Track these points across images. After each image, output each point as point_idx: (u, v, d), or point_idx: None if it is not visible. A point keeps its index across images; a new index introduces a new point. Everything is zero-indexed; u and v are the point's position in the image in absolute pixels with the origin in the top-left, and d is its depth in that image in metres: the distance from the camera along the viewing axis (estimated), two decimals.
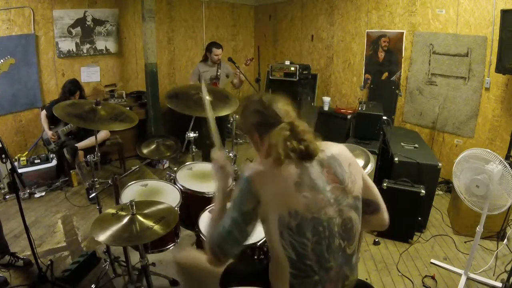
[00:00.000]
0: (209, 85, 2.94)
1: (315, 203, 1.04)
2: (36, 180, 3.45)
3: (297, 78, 4.42)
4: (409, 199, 2.58)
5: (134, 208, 1.56)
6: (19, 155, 3.51)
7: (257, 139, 1.18)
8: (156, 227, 1.52)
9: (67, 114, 1.97)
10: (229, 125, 3.77)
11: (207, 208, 1.94)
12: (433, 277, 2.26)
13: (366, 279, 2.26)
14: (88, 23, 4.22)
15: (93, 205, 3.14)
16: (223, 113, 2.46)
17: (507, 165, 1.88)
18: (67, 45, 4.11)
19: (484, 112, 3.33)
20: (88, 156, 2.15)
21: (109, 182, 1.86)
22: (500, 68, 2.86)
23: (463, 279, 2.19)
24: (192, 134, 2.55)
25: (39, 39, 3.88)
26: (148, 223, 1.54)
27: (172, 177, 2.33)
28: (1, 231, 2.26)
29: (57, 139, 3.57)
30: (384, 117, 3.29)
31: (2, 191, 3.33)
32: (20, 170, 3.24)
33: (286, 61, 4.84)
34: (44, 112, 3.60)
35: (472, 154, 2.01)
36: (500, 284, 2.09)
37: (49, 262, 2.12)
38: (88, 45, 4.29)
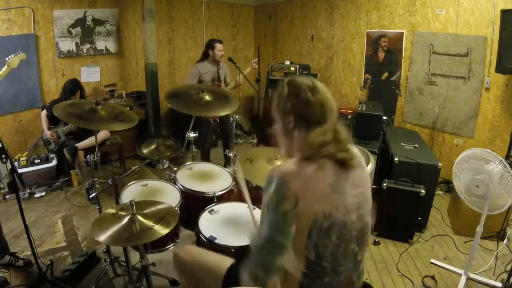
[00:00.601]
0: (212, 87, 2.90)
1: (344, 206, 1.03)
2: (36, 180, 3.45)
3: None
4: (409, 199, 2.58)
5: (134, 208, 1.56)
6: (19, 155, 3.51)
7: (290, 127, 1.10)
8: (156, 227, 1.52)
9: (67, 114, 1.97)
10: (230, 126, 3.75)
11: (207, 208, 1.94)
12: (433, 277, 2.26)
13: (366, 279, 2.26)
14: (88, 23, 4.22)
15: (93, 205, 3.14)
16: (223, 113, 2.46)
17: (507, 165, 1.88)
18: (67, 45, 4.11)
19: (484, 112, 3.33)
20: (88, 156, 2.15)
21: (109, 182, 1.86)
22: (500, 68, 2.86)
23: (463, 279, 2.19)
24: (192, 134, 2.55)
25: (39, 39, 3.88)
26: (148, 223, 1.54)
27: (172, 177, 2.33)
28: (1, 231, 2.26)
29: (56, 139, 3.57)
30: (384, 117, 3.29)
31: (2, 191, 3.33)
32: (20, 170, 3.24)
33: (286, 61, 4.84)
34: (44, 112, 3.60)
35: (472, 154, 2.01)
36: (500, 284, 2.09)
37: (49, 262, 2.12)
38: (88, 45, 4.29)
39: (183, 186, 2.14)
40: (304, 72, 4.52)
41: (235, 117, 3.04)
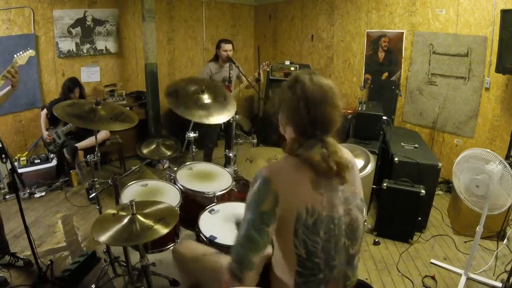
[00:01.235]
0: (221, 88, 2.79)
1: (330, 201, 1.06)
2: (36, 180, 3.45)
3: None
4: (409, 199, 2.58)
5: (134, 208, 1.56)
6: (19, 155, 3.51)
7: (288, 129, 1.13)
8: (156, 227, 1.52)
9: (67, 114, 1.97)
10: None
11: (207, 208, 1.94)
12: (433, 277, 2.26)
13: (366, 279, 2.26)
14: (88, 23, 4.22)
15: (93, 205, 3.14)
16: (221, 119, 2.32)
17: (507, 165, 1.88)
18: (67, 45, 4.11)
19: (484, 112, 3.33)
20: (88, 156, 2.15)
21: (109, 182, 1.86)
22: (500, 68, 2.86)
23: (463, 279, 2.19)
24: (192, 134, 2.54)
25: (39, 39, 3.88)
26: (148, 223, 1.54)
27: (172, 177, 2.33)
28: (2, 231, 2.26)
29: (52, 140, 3.57)
30: (384, 117, 3.28)
31: (2, 191, 3.33)
32: (20, 170, 3.24)
33: (286, 61, 4.84)
34: (44, 112, 3.60)
35: (472, 154, 2.01)
36: (500, 284, 2.09)
37: (49, 262, 2.12)
38: (88, 45, 4.29)
39: (183, 186, 2.14)
40: None
41: (235, 117, 3.04)
